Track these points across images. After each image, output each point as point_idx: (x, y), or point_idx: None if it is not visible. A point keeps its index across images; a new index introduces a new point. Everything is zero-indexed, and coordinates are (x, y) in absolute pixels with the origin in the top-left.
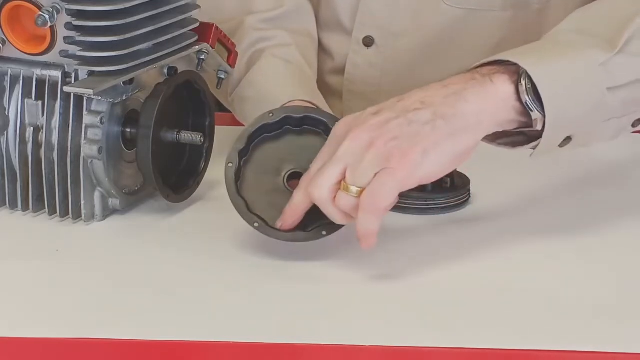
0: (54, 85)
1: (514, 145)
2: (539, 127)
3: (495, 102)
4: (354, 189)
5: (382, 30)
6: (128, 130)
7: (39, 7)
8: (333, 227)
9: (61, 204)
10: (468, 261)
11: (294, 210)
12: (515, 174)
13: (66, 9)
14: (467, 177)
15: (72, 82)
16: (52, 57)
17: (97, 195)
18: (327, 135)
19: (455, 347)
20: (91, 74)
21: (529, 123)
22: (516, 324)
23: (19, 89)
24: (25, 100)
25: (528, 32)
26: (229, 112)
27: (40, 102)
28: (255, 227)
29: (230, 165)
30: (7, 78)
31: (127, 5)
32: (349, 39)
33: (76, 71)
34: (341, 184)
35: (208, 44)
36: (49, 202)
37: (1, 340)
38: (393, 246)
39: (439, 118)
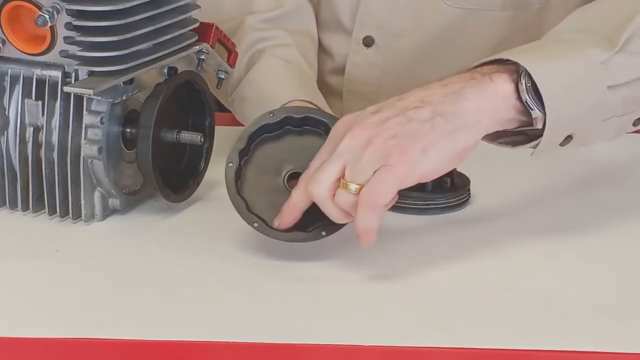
0: (54, 85)
1: (514, 144)
2: (539, 126)
3: (495, 101)
4: (353, 187)
5: (382, 30)
6: (128, 130)
7: (39, 7)
8: (333, 228)
9: (61, 204)
10: (468, 261)
11: (292, 208)
12: (515, 174)
13: (66, 9)
14: (467, 177)
15: (72, 82)
16: (52, 57)
17: (97, 195)
18: (328, 136)
19: (455, 347)
20: (91, 74)
21: (529, 122)
22: (516, 324)
23: (19, 89)
24: (25, 100)
25: (528, 32)
26: (229, 112)
27: (40, 102)
28: (254, 227)
29: (230, 165)
30: (7, 78)
31: (127, 5)
32: (349, 39)
33: (76, 71)
34: (340, 182)
35: (208, 44)
36: (49, 202)
37: (1, 340)
38: (393, 246)
39: (439, 116)
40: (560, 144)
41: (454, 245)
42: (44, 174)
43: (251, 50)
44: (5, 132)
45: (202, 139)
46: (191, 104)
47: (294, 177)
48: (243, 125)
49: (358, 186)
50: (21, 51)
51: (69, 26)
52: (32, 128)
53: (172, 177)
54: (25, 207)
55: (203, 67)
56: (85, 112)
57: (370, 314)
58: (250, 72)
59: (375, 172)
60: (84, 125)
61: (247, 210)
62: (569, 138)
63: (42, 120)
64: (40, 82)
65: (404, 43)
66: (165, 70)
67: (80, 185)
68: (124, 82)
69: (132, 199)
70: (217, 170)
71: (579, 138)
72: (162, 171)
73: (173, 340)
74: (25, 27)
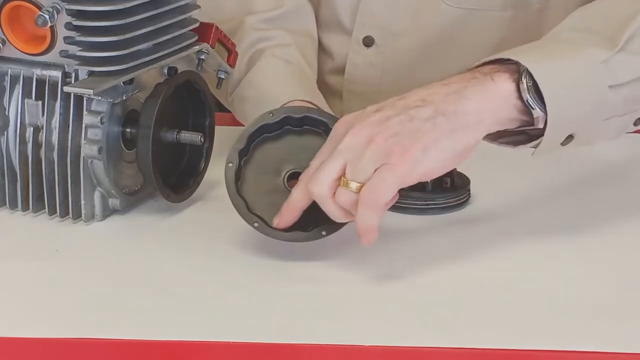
0: (54, 85)
1: (515, 144)
2: (540, 125)
3: (496, 101)
4: (353, 185)
5: (382, 30)
6: (128, 130)
7: (39, 7)
8: (333, 227)
9: (61, 204)
10: (468, 261)
11: (292, 208)
12: (515, 174)
13: (66, 9)
14: (467, 177)
15: (72, 82)
16: (52, 57)
17: (97, 195)
18: (327, 136)
19: (455, 347)
20: (91, 74)
21: (530, 121)
22: (516, 324)
23: (19, 89)
24: (25, 100)
25: (528, 32)
26: (229, 112)
27: (40, 102)
28: (255, 227)
29: (230, 165)
30: (7, 78)
31: (127, 5)
32: (349, 39)
33: (76, 71)
34: (341, 180)
35: (208, 44)
36: (49, 202)
37: (1, 340)
38: (393, 246)
39: (440, 115)
40: (561, 144)
41: (454, 245)
42: (44, 174)
43: (251, 50)
44: (5, 132)
45: (202, 139)
46: (191, 104)
47: (294, 177)
48: (243, 125)
49: (359, 185)
50: (21, 51)
51: (69, 26)
52: (32, 128)
53: (172, 177)
54: (25, 207)
55: (203, 67)
56: (85, 112)
57: (370, 314)
58: (250, 72)
59: (376, 170)
60: (84, 125)
61: (247, 210)
62: (570, 137)
63: (42, 120)
64: (40, 82)
65: (404, 43)
66: (165, 70)
67: (80, 185)
68: (124, 82)
69: (132, 199)
70: (217, 170)
71: (580, 137)
72: (162, 171)
73: (173, 340)
74: (25, 27)
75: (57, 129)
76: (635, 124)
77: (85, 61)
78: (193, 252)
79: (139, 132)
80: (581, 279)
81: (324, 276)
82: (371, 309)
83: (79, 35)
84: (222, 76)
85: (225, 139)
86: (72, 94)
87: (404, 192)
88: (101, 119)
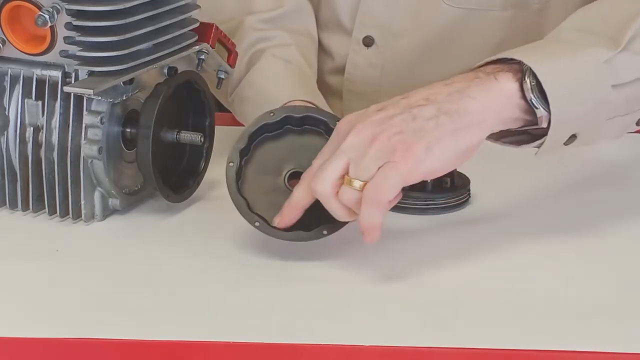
0: (54, 85)
1: (518, 143)
2: (544, 125)
3: (500, 100)
4: (357, 183)
5: (382, 30)
6: (128, 130)
7: (39, 7)
8: (334, 227)
9: (61, 204)
10: (468, 261)
11: (294, 207)
12: (515, 174)
13: (66, 9)
14: (467, 177)
15: (72, 82)
16: (52, 57)
17: (97, 195)
18: (328, 135)
19: (455, 347)
20: (91, 74)
21: (534, 121)
22: (516, 324)
23: (19, 89)
24: (25, 100)
25: (528, 32)
26: (229, 112)
27: (40, 102)
28: (256, 227)
29: (231, 164)
30: (7, 78)
31: (127, 5)
32: (349, 39)
33: (76, 71)
34: (344, 178)
35: (208, 44)
36: (49, 202)
37: (1, 340)
38: (393, 246)
39: (443, 114)
40: (564, 143)
41: (454, 245)
42: (44, 174)
43: (251, 50)
44: (5, 132)
45: (202, 139)
46: (191, 104)
47: (295, 176)
48: (243, 125)
49: (362, 183)
50: (21, 51)
51: (69, 26)
52: (32, 128)
53: (172, 177)
54: (25, 207)
55: (203, 67)
56: (85, 112)
57: (370, 314)
58: (250, 72)
59: (379, 168)
60: (84, 125)
61: (248, 210)
62: (573, 137)
63: (42, 120)
64: (40, 82)
65: (404, 43)
66: (165, 70)
67: (80, 185)
68: (124, 82)
69: (132, 199)
70: (217, 170)
71: (583, 137)
72: (162, 171)
73: (173, 340)
74: (25, 27)
75: (57, 129)
76: (637, 123)
77: (85, 61)
78: (193, 252)
79: (139, 132)
80: (581, 279)
81: (324, 276)
82: (371, 309)
83: (79, 35)
84: (222, 76)
85: (225, 139)
86: (72, 94)
87: (404, 192)
88: (101, 119)
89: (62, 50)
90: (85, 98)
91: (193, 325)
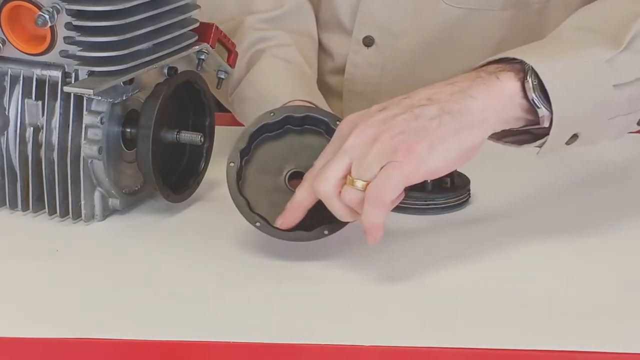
0: (54, 85)
1: (520, 143)
2: (545, 125)
3: (502, 100)
4: (359, 183)
5: (382, 30)
6: (128, 130)
7: (39, 7)
8: (335, 227)
9: (61, 204)
10: (468, 261)
11: (296, 207)
12: (515, 174)
13: (66, 9)
14: (467, 177)
15: (72, 82)
16: (52, 57)
17: (97, 195)
18: (328, 135)
19: (455, 347)
20: (91, 74)
21: (535, 120)
22: (516, 324)
23: (19, 89)
24: (25, 100)
25: (528, 32)
26: (229, 112)
27: (40, 102)
28: (256, 227)
29: (231, 164)
30: (7, 78)
31: (127, 5)
32: (349, 39)
33: (76, 71)
34: (347, 178)
35: (208, 44)
36: (49, 202)
37: (1, 340)
38: (393, 246)
39: (446, 114)
40: (566, 143)
41: (454, 245)
42: (44, 174)
43: (251, 50)
44: (5, 132)
45: (202, 139)
46: (191, 104)
47: (295, 176)
48: (243, 125)
49: (364, 183)
50: (21, 51)
51: (69, 26)
52: (32, 128)
53: (172, 177)
54: (25, 207)
55: (203, 67)
56: (85, 112)
57: (370, 314)
58: (250, 72)
59: (381, 168)
60: (84, 125)
61: (249, 210)
62: (574, 137)
63: (42, 120)
64: (40, 82)
65: (404, 43)
66: (165, 70)
67: (80, 185)
68: (124, 82)
69: (132, 199)
70: (217, 170)
71: (585, 137)
72: (162, 171)
73: (173, 340)
74: (25, 27)
75: (57, 129)
76: (638, 123)
77: (85, 61)
78: (193, 252)
79: (139, 132)
80: (581, 279)
81: (324, 276)
82: (371, 309)
83: (79, 35)
84: (222, 76)
85: (225, 139)
86: (72, 94)
87: (404, 192)
88: (101, 119)
89: (62, 50)
90: (85, 98)
91: (193, 325)
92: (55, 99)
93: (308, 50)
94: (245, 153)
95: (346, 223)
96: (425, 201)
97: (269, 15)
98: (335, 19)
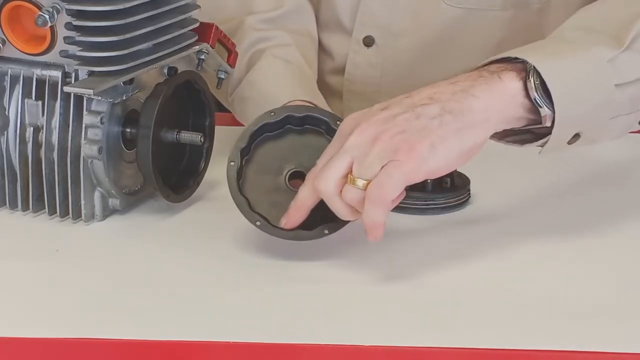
0: (54, 85)
1: (522, 143)
2: (547, 124)
3: (504, 99)
4: (360, 182)
5: (382, 30)
6: (128, 130)
7: (39, 7)
8: (335, 226)
9: (61, 204)
10: (468, 261)
11: (299, 207)
12: (516, 174)
13: (66, 9)
14: (467, 177)
15: (72, 82)
16: (52, 57)
17: (97, 195)
18: (329, 135)
19: (455, 347)
20: (91, 74)
21: (537, 120)
22: (516, 324)
23: (19, 89)
24: (25, 100)
25: (528, 32)
26: (229, 112)
27: (40, 102)
28: (257, 226)
29: (232, 164)
30: (7, 78)
31: (127, 5)
32: (349, 39)
33: (76, 71)
34: (348, 177)
35: (208, 44)
36: (49, 202)
37: (1, 340)
38: (393, 246)
39: (447, 113)
40: (567, 142)
41: (454, 245)
42: (44, 174)
43: (251, 50)
44: (5, 132)
45: (202, 139)
46: (191, 104)
47: (296, 176)
48: (243, 125)
49: (365, 182)
50: (21, 51)
51: (69, 26)
52: (32, 128)
53: (172, 177)
54: (25, 207)
55: (203, 67)
56: (85, 112)
57: (370, 314)
58: (250, 73)
59: (382, 167)
60: (84, 125)
61: (249, 209)
62: (576, 136)
63: (42, 120)
64: (40, 82)
65: (404, 43)
66: (165, 70)
67: (80, 185)
68: (124, 82)
69: (132, 199)
70: (217, 170)
71: (587, 136)
72: (162, 171)
73: (173, 340)
74: (25, 27)
75: (57, 129)
76: None
77: (85, 61)
78: (193, 252)
79: (139, 132)
80: (581, 279)
81: (324, 276)
82: (371, 309)
83: (79, 35)
84: (222, 76)
85: (225, 139)
86: (72, 94)
87: (404, 192)
88: (101, 119)
89: (62, 50)
90: (85, 98)
91: (193, 325)
92: (55, 99)
93: (308, 50)
94: (246, 152)
95: (347, 222)
96: (425, 201)
97: (269, 16)
98: (335, 19)
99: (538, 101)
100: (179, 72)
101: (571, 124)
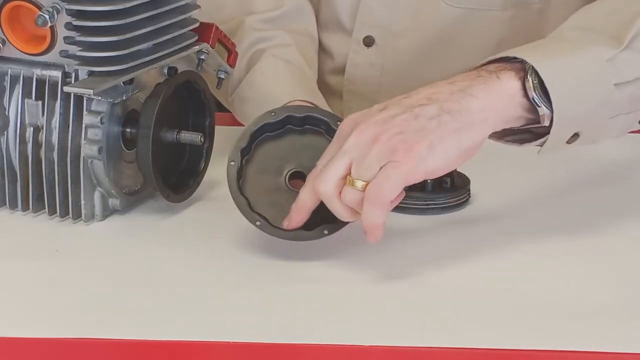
0: (54, 85)
1: (521, 142)
2: (546, 124)
3: (502, 99)
4: (359, 183)
5: (382, 30)
6: (128, 130)
7: (39, 7)
8: (335, 226)
9: (61, 204)
10: (468, 261)
11: (301, 208)
12: (515, 174)
13: (66, 9)
14: (467, 177)
15: (72, 82)
16: (52, 57)
17: (97, 195)
18: (329, 135)
19: (455, 347)
20: (91, 74)
21: (536, 119)
22: (516, 324)
23: (19, 89)
24: (25, 100)
25: (528, 31)
26: (229, 112)
27: (40, 102)
28: (257, 226)
29: (232, 163)
30: (7, 78)
31: (127, 5)
32: (349, 39)
33: (76, 71)
34: (347, 179)
35: (208, 44)
36: (49, 202)
37: (1, 340)
38: (393, 246)
39: (445, 113)
40: (567, 142)
41: (454, 245)
42: (44, 174)
43: (251, 50)
44: (5, 132)
45: (202, 139)
46: (191, 104)
47: (296, 176)
48: (243, 125)
49: (364, 183)
50: (21, 51)
51: (69, 26)
52: (32, 128)
53: (172, 177)
54: (25, 207)
55: (203, 67)
56: (85, 112)
57: (370, 314)
58: (250, 73)
59: (381, 168)
60: (84, 125)
61: (249, 209)
62: (575, 136)
63: (42, 120)
64: (40, 82)
65: (404, 43)
66: (165, 70)
67: (80, 185)
68: (124, 82)
69: (132, 199)
70: (217, 170)
71: (586, 136)
72: (162, 171)
73: (173, 340)
74: (25, 27)
75: (57, 129)
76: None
77: (85, 61)
78: (193, 252)
79: (139, 132)
80: (581, 279)
81: (324, 276)
82: (371, 309)
83: (79, 35)
84: (222, 76)
85: (225, 139)
86: (72, 94)
87: (404, 192)
88: (101, 119)
89: (62, 50)
90: (85, 98)
91: (193, 325)
92: (55, 99)
93: (308, 51)
94: (246, 152)
95: (346, 223)
96: (425, 201)
97: (269, 16)
98: (335, 19)
99: (536, 101)
100: (179, 72)
101: (570, 123)
